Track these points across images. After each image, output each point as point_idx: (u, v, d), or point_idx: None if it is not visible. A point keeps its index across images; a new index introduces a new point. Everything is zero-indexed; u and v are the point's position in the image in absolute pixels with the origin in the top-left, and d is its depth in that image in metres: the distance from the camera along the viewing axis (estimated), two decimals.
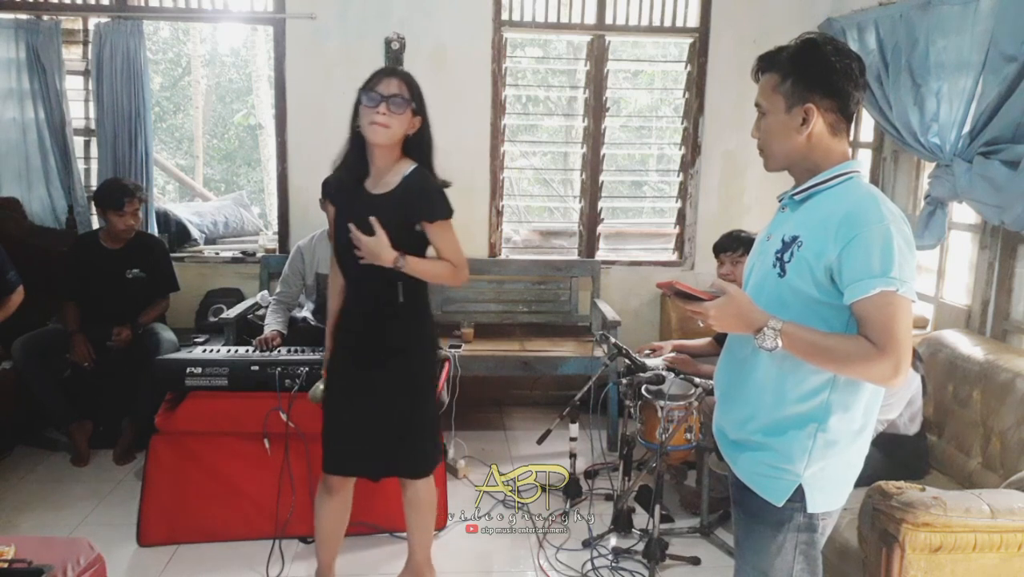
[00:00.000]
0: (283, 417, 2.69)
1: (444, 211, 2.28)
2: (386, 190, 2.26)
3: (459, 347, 3.92)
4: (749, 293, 1.59)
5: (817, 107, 1.53)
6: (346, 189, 2.29)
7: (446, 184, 2.32)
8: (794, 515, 1.58)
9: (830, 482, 1.59)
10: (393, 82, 2.18)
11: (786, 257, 1.53)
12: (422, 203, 2.25)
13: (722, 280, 1.55)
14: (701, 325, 1.55)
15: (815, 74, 1.53)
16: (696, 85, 4.44)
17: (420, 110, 2.26)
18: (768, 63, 1.59)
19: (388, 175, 2.26)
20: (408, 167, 2.26)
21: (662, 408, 2.82)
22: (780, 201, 1.68)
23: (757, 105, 1.61)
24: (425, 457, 2.47)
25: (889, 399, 2.56)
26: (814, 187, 1.56)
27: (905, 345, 1.42)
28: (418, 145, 2.28)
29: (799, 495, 1.56)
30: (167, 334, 3.71)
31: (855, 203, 1.49)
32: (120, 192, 3.64)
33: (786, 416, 1.56)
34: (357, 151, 2.26)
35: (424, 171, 2.28)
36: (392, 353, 2.34)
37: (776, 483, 1.57)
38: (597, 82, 4.42)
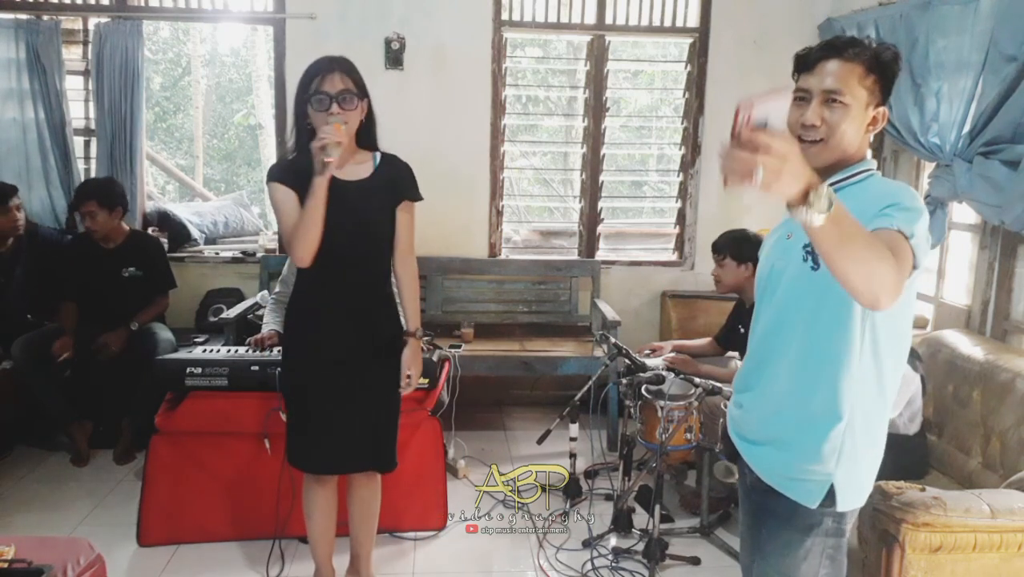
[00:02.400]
0: (283, 417, 2.68)
1: (418, 193, 2.35)
2: (363, 176, 2.26)
3: (459, 347, 3.92)
4: (783, 295, 1.58)
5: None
6: (309, 175, 2.18)
7: None
8: (824, 518, 1.57)
9: (858, 479, 1.58)
10: (336, 78, 2.14)
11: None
12: (407, 183, 2.32)
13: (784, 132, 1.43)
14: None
15: (891, 80, 1.53)
16: (696, 85, 4.44)
17: (365, 94, 2.24)
18: (852, 53, 1.51)
19: (351, 163, 2.26)
20: (371, 152, 2.30)
21: (662, 408, 2.83)
22: None
23: (833, 92, 1.50)
24: (395, 448, 2.48)
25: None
26: (837, 183, 1.54)
27: (905, 276, 1.34)
28: (368, 128, 2.28)
29: (830, 496, 1.55)
30: (165, 334, 3.71)
31: (889, 189, 1.50)
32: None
33: (815, 414, 1.55)
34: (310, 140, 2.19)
35: (393, 155, 2.34)
36: (386, 344, 2.35)
37: (809, 485, 1.56)
38: (597, 82, 4.42)
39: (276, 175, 2.23)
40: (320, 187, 2.10)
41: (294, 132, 2.25)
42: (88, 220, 3.63)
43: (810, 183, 1.22)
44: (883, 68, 1.51)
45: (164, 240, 4.35)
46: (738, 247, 3.17)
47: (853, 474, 1.56)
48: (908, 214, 1.41)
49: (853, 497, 1.58)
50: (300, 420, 2.39)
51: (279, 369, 2.67)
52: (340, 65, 2.18)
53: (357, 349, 2.32)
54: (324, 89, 2.13)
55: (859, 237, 1.29)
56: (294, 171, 2.21)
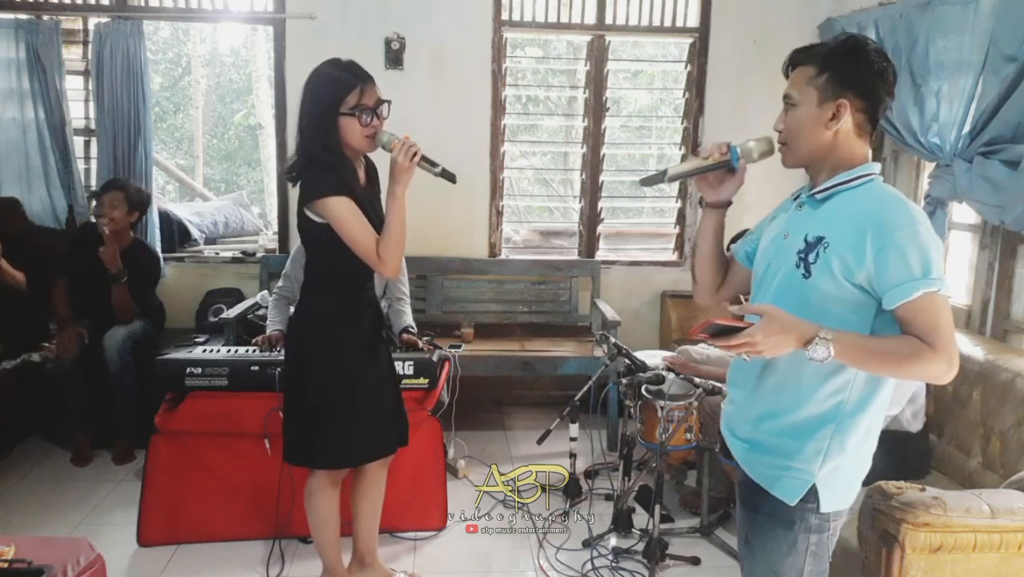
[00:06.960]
0: (283, 417, 2.68)
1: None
2: (365, 180, 2.33)
3: (459, 347, 3.91)
4: (773, 296, 1.58)
5: (850, 104, 1.53)
6: (354, 184, 2.24)
7: None
8: (806, 515, 1.58)
9: (842, 481, 1.59)
10: (375, 88, 2.18)
11: (811, 258, 1.52)
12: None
13: (747, 303, 1.53)
14: (746, 360, 1.52)
15: (852, 72, 1.53)
16: (696, 85, 4.44)
17: None
18: (804, 56, 1.59)
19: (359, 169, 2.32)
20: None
21: (662, 408, 2.83)
22: (795, 199, 1.68)
23: (786, 97, 1.60)
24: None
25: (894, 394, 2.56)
26: (835, 186, 1.56)
27: (953, 340, 1.44)
28: None
29: (812, 495, 1.56)
30: (110, 341, 3.61)
31: (883, 207, 1.49)
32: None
33: (804, 417, 1.56)
34: (348, 162, 2.22)
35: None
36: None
37: (790, 482, 1.57)
38: (597, 82, 4.42)
39: (340, 188, 2.15)
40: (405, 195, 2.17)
41: (319, 135, 2.16)
42: (107, 209, 3.65)
43: (802, 339, 1.42)
44: (836, 63, 1.54)
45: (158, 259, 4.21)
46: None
47: (837, 477, 1.57)
48: (921, 260, 1.43)
49: (837, 499, 1.59)
50: None
51: None
52: (371, 77, 2.19)
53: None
54: (366, 102, 2.15)
55: (877, 358, 1.45)
56: (347, 184, 2.17)
